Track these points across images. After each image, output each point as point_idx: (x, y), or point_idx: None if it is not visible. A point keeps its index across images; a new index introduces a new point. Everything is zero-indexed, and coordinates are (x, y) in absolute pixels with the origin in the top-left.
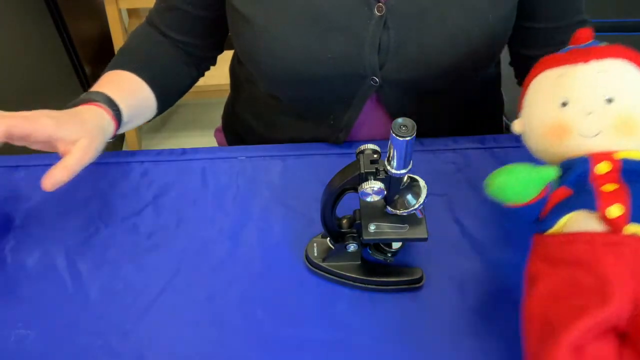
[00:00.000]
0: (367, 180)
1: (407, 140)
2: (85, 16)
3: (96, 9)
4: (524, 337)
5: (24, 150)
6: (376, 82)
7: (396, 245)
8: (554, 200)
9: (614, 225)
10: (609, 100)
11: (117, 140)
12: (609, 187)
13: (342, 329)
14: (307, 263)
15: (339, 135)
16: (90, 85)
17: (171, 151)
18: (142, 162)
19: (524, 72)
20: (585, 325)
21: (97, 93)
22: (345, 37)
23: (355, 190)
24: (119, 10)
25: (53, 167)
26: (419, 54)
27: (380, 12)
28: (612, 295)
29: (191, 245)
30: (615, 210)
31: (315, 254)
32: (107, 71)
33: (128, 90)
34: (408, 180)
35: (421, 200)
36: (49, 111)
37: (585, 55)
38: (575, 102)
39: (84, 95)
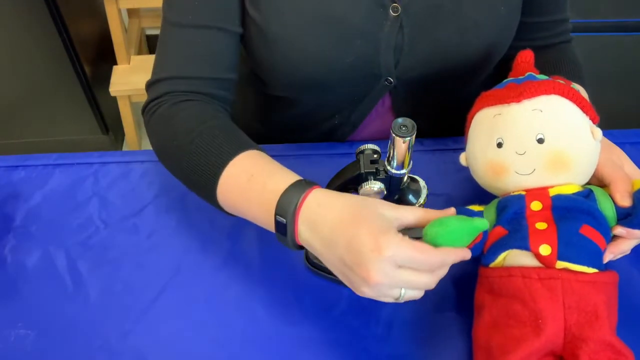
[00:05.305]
0: (367, 180)
1: (407, 140)
2: (85, 16)
3: (96, 9)
4: None
5: (24, 150)
6: (390, 82)
7: None
8: (492, 239)
9: (546, 262)
10: (540, 141)
11: (117, 140)
12: (541, 226)
13: (342, 329)
14: (307, 263)
15: (344, 132)
16: (90, 85)
17: None
18: (142, 162)
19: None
20: (521, 355)
21: (302, 180)
22: (361, 40)
23: (356, 190)
24: (119, 10)
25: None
26: (432, 50)
27: (395, 13)
28: (545, 326)
29: (191, 245)
30: (544, 250)
31: None
32: (239, 161)
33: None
34: (408, 180)
35: (421, 200)
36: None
37: (518, 95)
38: (509, 143)
39: (303, 185)
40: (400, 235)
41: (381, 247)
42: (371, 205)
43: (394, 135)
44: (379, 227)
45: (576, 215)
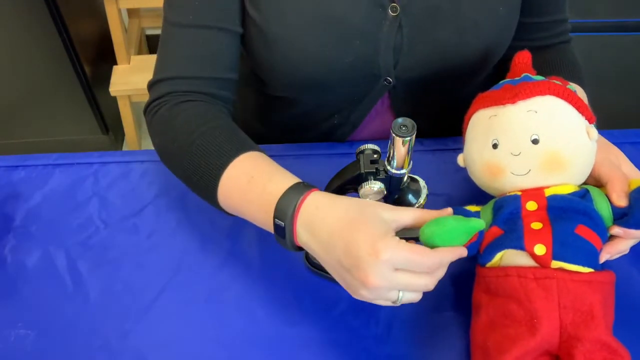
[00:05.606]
0: (367, 180)
1: (407, 140)
2: (85, 16)
3: (96, 9)
4: None
5: (24, 150)
6: (390, 82)
7: None
8: (488, 239)
9: (541, 262)
10: (535, 141)
11: (117, 140)
12: (536, 225)
13: (342, 329)
14: (307, 263)
15: (344, 132)
16: (90, 85)
17: None
18: (142, 162)
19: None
20: (516, 354)
21: (300, 183)
22: (361, 40)
23: (356, 190)
24: (119, 10)
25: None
26: (431, 50)
27: (394, 13)
28: (540, 326)
29: (191, 245)
30: (539, 249)
31: None
32: (234, 161)
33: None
34: (408, 180)
35: (421, 200)
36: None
37: (513, 96)
38: (504, 144)
39: (301, 187)
40: (397, 238)
41: (378, 251)
42: (369, 208)
43: (394, 135)
44: (376, 230)
45: (571, 216)
